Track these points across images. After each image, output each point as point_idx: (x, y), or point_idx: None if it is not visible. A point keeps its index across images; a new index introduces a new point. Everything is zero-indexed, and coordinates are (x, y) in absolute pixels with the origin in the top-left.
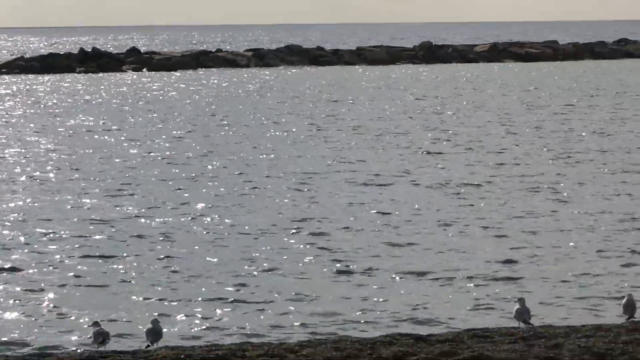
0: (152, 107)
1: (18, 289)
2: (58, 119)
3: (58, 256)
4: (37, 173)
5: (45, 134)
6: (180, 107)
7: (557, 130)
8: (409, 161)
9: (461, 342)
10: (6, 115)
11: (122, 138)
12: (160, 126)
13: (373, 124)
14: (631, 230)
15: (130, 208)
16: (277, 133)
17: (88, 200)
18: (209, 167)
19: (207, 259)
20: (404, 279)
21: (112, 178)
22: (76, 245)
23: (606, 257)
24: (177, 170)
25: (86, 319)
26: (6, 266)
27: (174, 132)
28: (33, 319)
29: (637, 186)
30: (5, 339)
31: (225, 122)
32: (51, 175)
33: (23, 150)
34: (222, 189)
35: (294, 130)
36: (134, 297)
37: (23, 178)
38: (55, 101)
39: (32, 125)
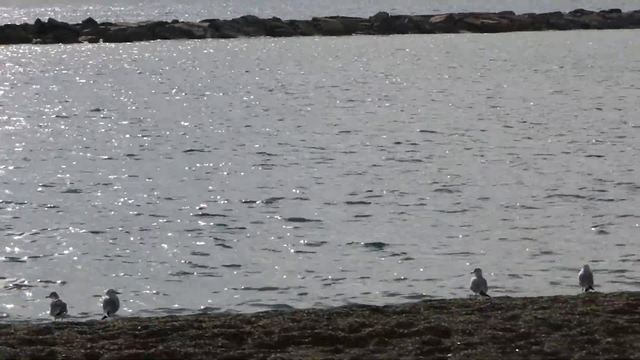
0: (105, 79)
1: None
2: (11, 90)
3: (13, 226)
4: None
5: None
6: (133, 79)
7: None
8: (358, 130)
9: (417, 313)
10: None
11: (65, 112)
12: (114, 97)
13: (323, 94)
14: (588, 203)
15: (85, 179)
16: (232, 104)
17: (37, 172)
18: (160, 140)
19: (164, 232)
20: (360, 251)
21: (60, 149)
22: (31, 216)
23: (563, 229)
24: (132, 145)
25: (43, 291)
26: None
27: (128, 107)
28: None
29: (592, 159)
30: None
31: (177, 93)
32: None
33: None
34: (176, 162)
35: (247, 100)
36: (91, 269)
37: None
38: (8, 73)
39: None
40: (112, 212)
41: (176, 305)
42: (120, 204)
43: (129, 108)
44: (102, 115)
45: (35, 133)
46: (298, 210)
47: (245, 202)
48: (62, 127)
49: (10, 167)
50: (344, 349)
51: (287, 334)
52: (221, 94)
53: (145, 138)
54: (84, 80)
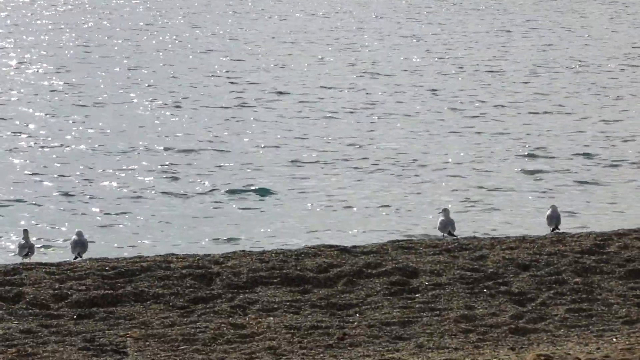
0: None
1: None
2: None
3: None
4: None
5: None
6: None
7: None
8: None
9: (385, 253)
10: None
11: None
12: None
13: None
14: (554, 145)
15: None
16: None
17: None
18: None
19: (137, 171)
20: (326, 199)
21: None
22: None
23: (529, 171)
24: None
25: (12, 231)
26: None
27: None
28: None
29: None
30: None
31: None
32: None
33: None
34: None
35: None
36: (59, 210)
37: None
38: None
39: None
40: (80, 148)
41: (144, 246)
42: (88, 141)
43: None
44: None
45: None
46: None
47: (219, 150)
48: None
49: None
50: (312, 289)
51: (255, 275)
52: None
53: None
54: None
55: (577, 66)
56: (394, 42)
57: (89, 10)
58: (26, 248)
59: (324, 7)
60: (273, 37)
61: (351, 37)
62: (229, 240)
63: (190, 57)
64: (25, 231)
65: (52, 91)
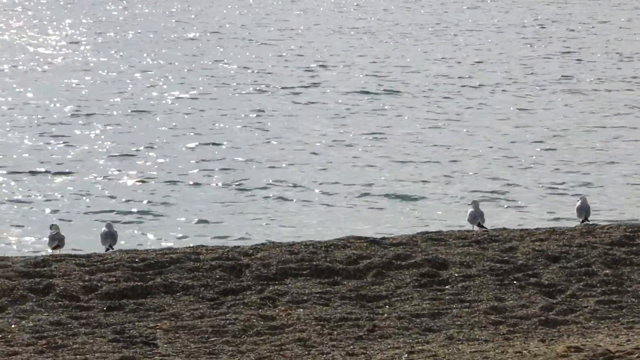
0: None
1: None
2: None
3: (16, 161)
4: None
5: None
6: None
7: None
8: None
9: (415, 245)
10: None
11: None
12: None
13: None
14: (585, 138)
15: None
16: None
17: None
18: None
19: (165, 164)
20: (355, 191)
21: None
22: (29, 149)
23: (561, 162)
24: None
25: (42, 224)
26: None
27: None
28: None
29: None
30: None
31: None
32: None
33: None
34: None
35: None
36: (89, 201)
37: None
38: None
39: None
40: (109, 145)
41: (174, 238)
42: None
43: None
44: None
45: None
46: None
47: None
48: None
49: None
50: (341, 280)
51: (285, 266)
52: None
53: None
54: None
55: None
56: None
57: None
58: (56, 240)
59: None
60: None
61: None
62: (259, 231)
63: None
64: (55, 226)
65: (78, 86)
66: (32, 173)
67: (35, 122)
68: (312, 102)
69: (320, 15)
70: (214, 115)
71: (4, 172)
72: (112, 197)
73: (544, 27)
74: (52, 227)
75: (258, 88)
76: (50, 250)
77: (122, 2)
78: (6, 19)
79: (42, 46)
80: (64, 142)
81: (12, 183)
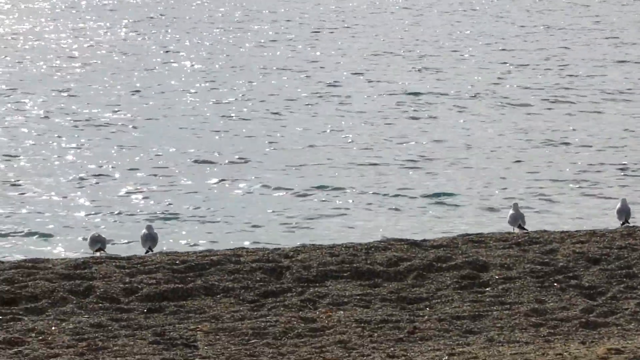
0: None
1: (14, 193)
2: None
3: (55, 165)
4: None
5: None
6: None
7: None
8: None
9: (455, 247)
10: None
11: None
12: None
13: None
14: (628, 139)
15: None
16: None
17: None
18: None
19: (204, 168)
20: (392, 192)
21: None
22: (71, 152)
23: (601, 164)
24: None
25: (83, 226)
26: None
27: None
28: (27, 226)
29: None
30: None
31: None
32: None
33: None
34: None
35: None
36: (129, 204)
37: None
38: None
39: None
40: (152, 149)
41: (214, 240)
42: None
43: None
44: None
45: None
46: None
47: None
48: None
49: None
50: (382, 283)
51: (325, 268)
52: None
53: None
54: None
55: None
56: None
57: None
58: (98, 242)
59: None
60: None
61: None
62: (299, 233)
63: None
64: (98, 236)
65: (139, 93)
66: (73, 176)
67: (69, 125)
68: (346, 104)
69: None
70: (249, 114)
71: (46, 175)
72: (150, 199)
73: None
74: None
75: (297, 88)
76: (91, 253)
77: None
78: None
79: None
80: (106, 145)
81: (54, 185)
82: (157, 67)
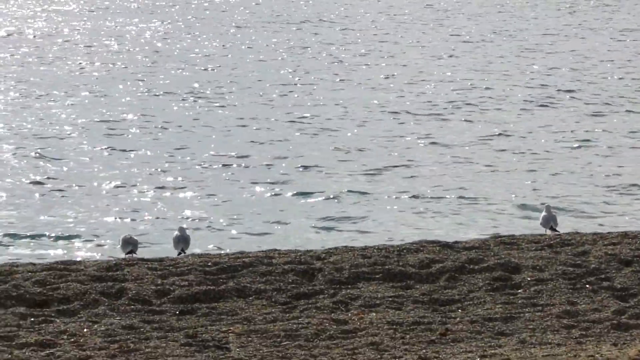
0: None
1: (46, 196)
2: None
3: (87, 169)
4: None
5: None
6: None
7: None
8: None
9: (487, 249)
10: None
11: None
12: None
13: None
14: None
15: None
16: None
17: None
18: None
19: (237, 168)
20: (428, 194)
21: None
22: (102, 156)
23: (632, 166)
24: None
25: (114, 228)
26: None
27: None
28: (59, 228)
29: None
30: (32, 246)
31: None
32: None
33: None
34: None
35: None
36: (160, 206)
37: None
38: None
39: None
40: (184, 150)
41: (246, 242)
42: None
43: None
44: None
45: None
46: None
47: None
48: None
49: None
50: (414, 284)
51: (357, 270)
52: None
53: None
54: None
55: None
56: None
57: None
58: (130, 244)
59: None
60: None
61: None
62: (332, 235)
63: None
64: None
65: (198, 95)
66: (104, 181)
67: (100, 127)
68: (385, 105)
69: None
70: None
71: (76, 180)
72: (183, 201)
73: None
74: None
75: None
76: (124, 255)
77: None
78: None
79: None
80: (137, 148)
81: (85, 188)
82: (185, 70)
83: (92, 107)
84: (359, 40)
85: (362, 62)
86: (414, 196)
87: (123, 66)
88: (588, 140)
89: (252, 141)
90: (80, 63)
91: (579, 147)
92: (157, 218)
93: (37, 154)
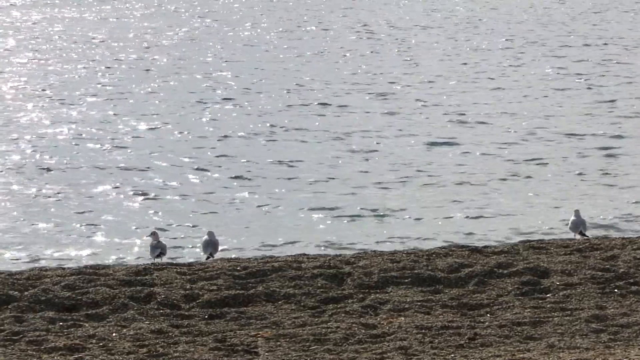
0: None
1: (75, 200)
2: None
3: (114, 174)
4: None
5: None
6: None
7: None
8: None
9: (517, 253)
10: None
11: None
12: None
13: None
14: None
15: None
16: None
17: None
18: None
19: (264, 174)
20: (459, 193)
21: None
22: (124, 162)
23: None
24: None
25: (143, 231)
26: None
27: None
28: (88, 234)
29: None
30: (61, 252)
31: None
32: None
33: None
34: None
35: None
36: (187, 210)
37: None
38: None
39: None
40: (208, 153)
41: (275, 246)
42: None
43: None
44: None
45: None
46: (390, 152)
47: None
48: None
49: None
50: (443, 289)
51: (386, 275)
52: None
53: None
54: None
55: None
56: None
57: None
58: (158, 249)
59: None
60: None
61: None
62: (361, 240)
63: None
64: (155, 233)
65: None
66: (132, 184)
67: (124, 130)
68: (397, 112)
69: None
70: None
71: (103, 183)
72: (212, 204)
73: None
74: (152, 234)
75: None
76: (153, 260)
77: None
78: None
79: None
80: (162, 151)
81: (113, 193)
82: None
83: (111, 108)
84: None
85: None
86: (441, 200)
87: (147, 68)
88: (617, 142)
89: (270, 147)
90: (106, 63)
91: (609, 150)
92: (186, 220)
93: (65, 159)
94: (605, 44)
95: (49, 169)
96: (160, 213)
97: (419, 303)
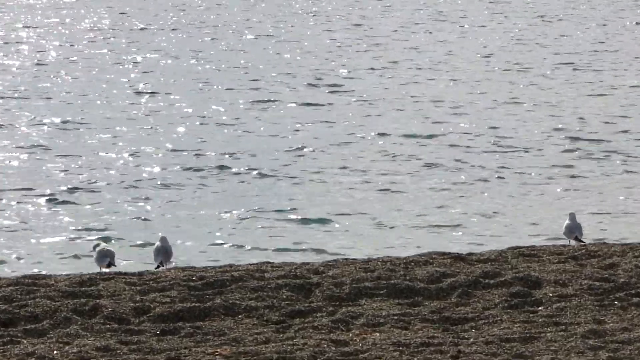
0: None
1: (15, 205)
2: None
3: (62, 174)
4: None
5: None
6: None
7: None
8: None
9: (505, 262)
10: None
11: None
12: None
13: None
14: None
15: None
16: None
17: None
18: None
19: (223, 176)
20: (440, 196)
21: None
22: (76, 163)
23: None
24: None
25: (89, 239)
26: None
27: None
28: (26, 239)
29: None
30: None
31: None
32: None
33: None
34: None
35: None
36: (140, 214)
37: None
38: None
39: None
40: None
41: (235, 254)
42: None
43: None
44: None
45: None
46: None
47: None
48: None
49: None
50: (422, 301)
51: (359, 285)
52: None
53: None
54: None
55: None
56: None
57: None
58: (107, 257)
59: None
60: None
61: None
62: (330, 247)
63: None
64: (99, 245)
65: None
66: (80, 189)
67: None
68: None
69: None
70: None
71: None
72: (162, 209)
73: None
74: (95, 247)
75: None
76: (101, 269)
77: None
78: None
79: None
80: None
81: (57, 200)
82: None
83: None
84: None
85: None
86: (421, 205)
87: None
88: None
89: (263, 144)
90: (115, 64)
91: (607, 153)
92: (136, 226)
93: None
94: None
95: None
96: (106, 217)
97: (395, 317)
